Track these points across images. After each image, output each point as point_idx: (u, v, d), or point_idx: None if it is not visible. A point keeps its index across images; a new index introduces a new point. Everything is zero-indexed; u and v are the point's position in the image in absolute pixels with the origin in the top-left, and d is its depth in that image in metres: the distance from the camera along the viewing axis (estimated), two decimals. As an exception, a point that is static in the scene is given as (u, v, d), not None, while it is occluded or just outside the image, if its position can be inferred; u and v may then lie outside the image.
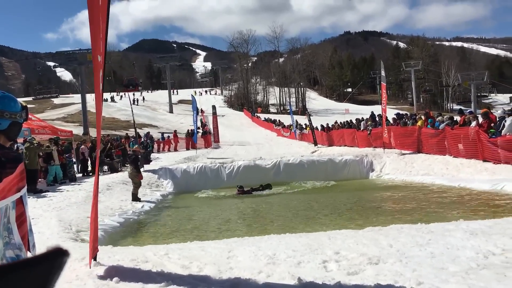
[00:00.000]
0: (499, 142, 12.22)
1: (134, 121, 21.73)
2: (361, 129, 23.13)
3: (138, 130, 43.20)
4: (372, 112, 26.76)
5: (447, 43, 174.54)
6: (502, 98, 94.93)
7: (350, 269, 4.43)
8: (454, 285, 3.80)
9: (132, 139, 19.06)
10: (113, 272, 4.62)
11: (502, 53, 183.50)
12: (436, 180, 13.42)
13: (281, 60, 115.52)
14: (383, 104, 19.18)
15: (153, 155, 25.74)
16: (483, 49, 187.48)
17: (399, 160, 16.42)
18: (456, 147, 14.37)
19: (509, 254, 4.61)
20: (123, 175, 15.07)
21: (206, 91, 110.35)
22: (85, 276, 4.50)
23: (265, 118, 66.76)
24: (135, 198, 12.58)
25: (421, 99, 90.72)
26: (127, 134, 23.62)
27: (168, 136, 36.46)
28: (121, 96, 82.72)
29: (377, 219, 9.03)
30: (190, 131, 35.29)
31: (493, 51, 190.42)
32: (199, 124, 40.77)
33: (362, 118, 27.31)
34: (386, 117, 19.74)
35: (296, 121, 41.07)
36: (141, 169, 14.85)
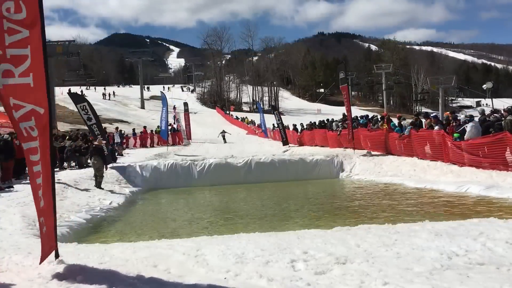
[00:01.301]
0: (463, 145, 12.56)
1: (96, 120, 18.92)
2: (334, 129, 23.34)
3: (107, 125, 42.29)
4: (344, 114, 27.03)
5: (417, 47, 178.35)
6: (468, 102, 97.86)
7: (318, 269, 4.46)
8: (419, 285, 3.87)
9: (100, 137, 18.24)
10: (78, 270, 4.51)
11: (469, 58, 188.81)
12: (404, 181, 13.67)
13: (255, 58, 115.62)
14: (345, 105, 19.47)
15: (124, 151, 25.35)
16: (451, 54, 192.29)
17: (369, 161, 16.66)
18: (423, 149, 14.69)
19: (472, 255, 4.73)
20: (92, 171, 14.75)
21: (178, 87, 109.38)
22: (48, 274, 4.37)
23: (237, 116, 66.71)
24: (99, 185, 13.34)
25: (391, 101, 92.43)
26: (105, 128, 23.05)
27: (141, 132, 35.94)
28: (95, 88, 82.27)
29: (346, 219, 9.13)
30: (158, 127, 34.89)
31: (461, 56, 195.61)
32: (170, 120, 40.35)
33: (333, 119, 27.58)
34: (354, 118, 20.07)
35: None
36: (109, 165, 14.81)
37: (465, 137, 12.47)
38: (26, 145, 4.24)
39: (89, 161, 16.00)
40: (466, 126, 12.56)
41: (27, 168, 4.50)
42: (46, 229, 4.47)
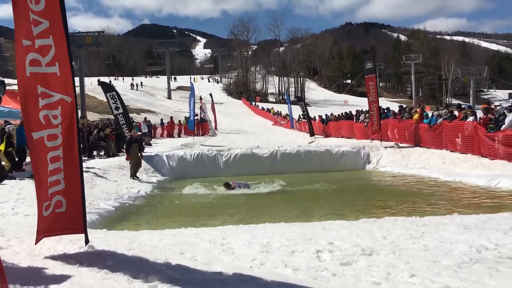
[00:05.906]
0: (499, 137, 12.18)
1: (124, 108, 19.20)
2: (360, 121, 23.07)
3: (135, 115, 42.88)
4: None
5: (448, 37, 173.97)
6: (501, 94, 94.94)
7: (343, 260, 4.44)
8: (447, 278, 3.81)
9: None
10: (107, 256, 4.62)
11: (502, 48, 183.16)
12: (432, 174, 13.44)
13: (281, 49, 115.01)
14: (370, 97, 18.77)
15: (151, 141, 25.73)
16: (484, 44, 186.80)
17: (396, 153, 16.44)
18: (453, 141, 14.37)
19: (502, 249, 4.63)
20: (120, 160, 15.07)
21: (204, 78, 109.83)
22: (79, 259, 4.49)
23: (262, 107, 66.63)
24: (134, 175, 13.78)
25: (420, 93, 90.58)
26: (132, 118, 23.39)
27: (168, 122, 36.45)
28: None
29: (372, 211, 9.06)
30: (185, 118, 35.26)
31: (493, 46, 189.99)
32: (197, 111, 40.65)
33: (361, 110, 27.23)
34: (383, 110, 19.68)
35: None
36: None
37: (503, 127, 12.10)
38: (42, 133, 4.34)
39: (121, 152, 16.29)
40: (509, 116, 12.16)
41: (31, 156, 4.53)
42: (67, 209, 4.54)
